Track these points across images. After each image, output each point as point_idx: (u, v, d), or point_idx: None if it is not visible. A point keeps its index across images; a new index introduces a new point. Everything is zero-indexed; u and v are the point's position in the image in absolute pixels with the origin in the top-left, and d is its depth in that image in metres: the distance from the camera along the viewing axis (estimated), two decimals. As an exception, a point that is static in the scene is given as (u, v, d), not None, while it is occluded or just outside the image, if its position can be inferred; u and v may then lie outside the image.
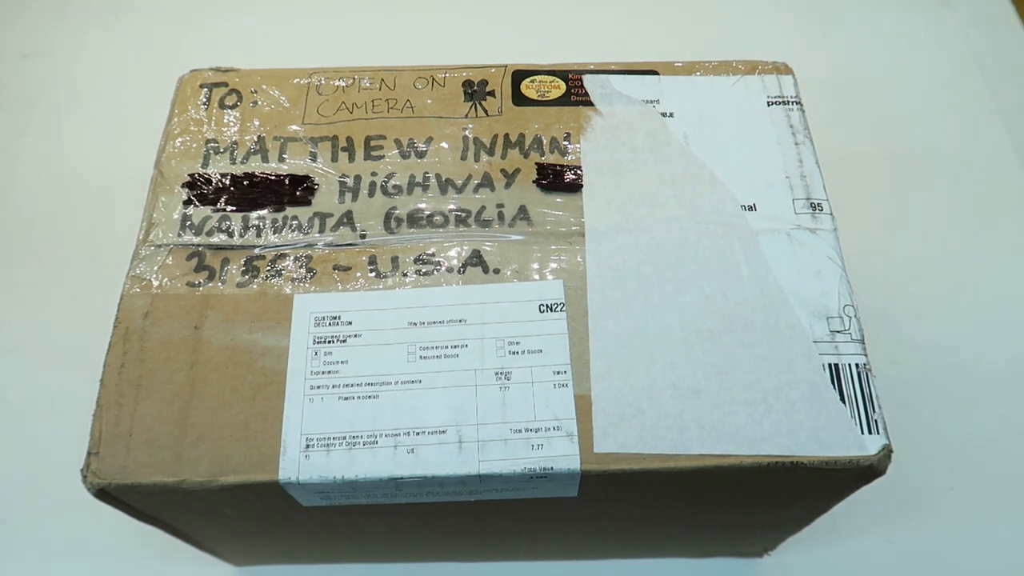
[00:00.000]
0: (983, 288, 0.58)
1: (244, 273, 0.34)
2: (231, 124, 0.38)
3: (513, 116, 0.39)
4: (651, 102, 0.39)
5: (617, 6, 0.73)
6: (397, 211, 0.36)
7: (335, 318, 0.33)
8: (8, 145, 0.65)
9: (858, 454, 0.31)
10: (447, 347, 0.33)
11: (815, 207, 0.36)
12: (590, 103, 0.39)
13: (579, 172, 0.37)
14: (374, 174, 0.37)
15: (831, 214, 0.36)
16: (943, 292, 0.58)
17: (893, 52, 0.71)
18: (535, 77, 0.40)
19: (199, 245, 0.35)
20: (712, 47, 0.69)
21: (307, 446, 0.31)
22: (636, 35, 0.71)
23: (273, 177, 0.37)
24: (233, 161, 0.37)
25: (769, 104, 0.39)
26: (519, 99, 0.39)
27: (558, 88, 0.39)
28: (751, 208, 0.36)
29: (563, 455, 0.31)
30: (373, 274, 0.34)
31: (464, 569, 0.49)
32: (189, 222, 0.36)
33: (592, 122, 0.38)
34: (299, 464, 0.30)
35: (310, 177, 0.37)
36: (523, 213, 0.36)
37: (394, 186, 0.37)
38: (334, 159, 0.37)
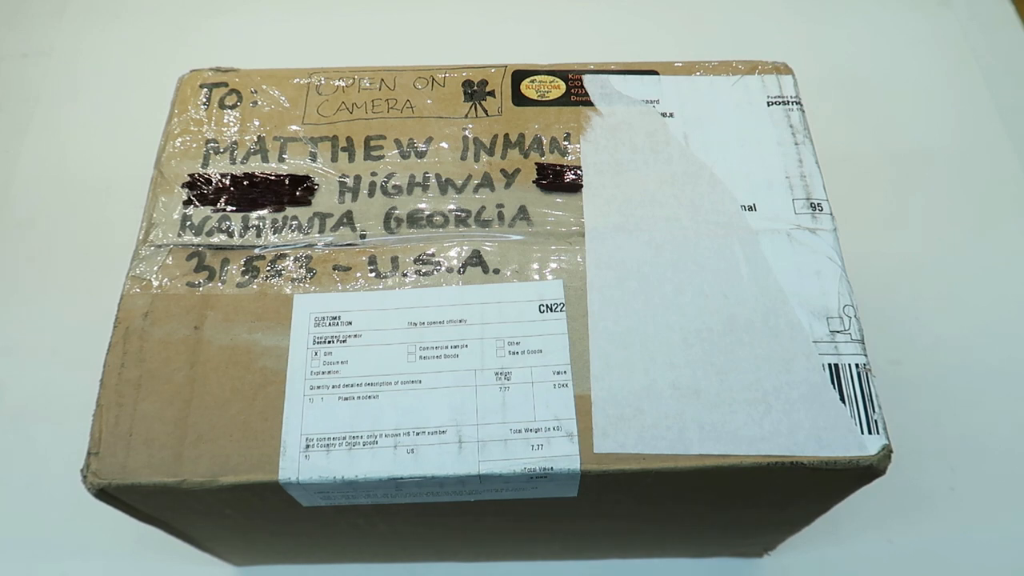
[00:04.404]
0: (983, 288, 0.58)
1: (244, 273, 0.34)
2: (231, 124, 0.38)
3: (513, 116, 0.39)
4: (651, 102, 0.39)
5: (617, 6, 0.73)
6: (397, 211, 0.36)
7: (335, 318, 0.33)
8: (8, 145, 0.65)
9: (858, 454, 0.31)
10: (447, 347, 0.33)
11: (815, 207, 0.36)
12: (590, 103, 0.39)
13: (579, 172, 0.37)
14: (374, 174, 0.37)
15: (831, 214, 0.36)
16: (943, 292, 0.58)
17: (893, 52, 0.71)
18: (535, 77, 0.40)
19: (199, 245, 0.35)
20: (712, 47, 0.69)
21: (307, 446, 0.31)
22: (636, 35, 0.71)
23: (273, 177, 0.37)
24: (233, 161, 0.37)
25: (769, 104, 0.39)
26: (519, 99, 0.39)
27: (558, 88, 0.39)
28: (751, 208, 0.36)
29: (563, 455, 0.31)
30: (373, 274, 0.34)
31: (464, 569, 0.49)
32: (189, 222, 0.36)
33: (592, 122, 0.38)
34: (299, 464, 0.30)
35: (310, 177, 0.37)
36: (523, 213, 0.36)
37: (394, 186, 0.37)
38: (334, 159, 0.37)
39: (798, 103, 0.39)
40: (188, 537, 0.40)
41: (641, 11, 0.73)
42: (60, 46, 0.71)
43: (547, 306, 0.34)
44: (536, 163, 0.37)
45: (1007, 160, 0.64)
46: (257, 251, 0.35)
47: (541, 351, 0.33)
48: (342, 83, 0.40)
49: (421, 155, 0.37)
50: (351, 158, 0.37)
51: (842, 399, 0.32)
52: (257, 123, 0.38)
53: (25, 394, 0.54)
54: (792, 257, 0.35)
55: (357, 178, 0.37)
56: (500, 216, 0.36)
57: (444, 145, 0.38)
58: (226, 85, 0.39)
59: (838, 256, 0.35)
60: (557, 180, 0.37)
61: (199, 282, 0.34)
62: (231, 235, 0.35)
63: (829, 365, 0.32)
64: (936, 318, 0.57)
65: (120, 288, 0.34)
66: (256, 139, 0.38)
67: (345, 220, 0.36)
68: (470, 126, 0.38)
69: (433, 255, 0.35)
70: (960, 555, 0.49)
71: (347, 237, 0.35)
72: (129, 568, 0.48)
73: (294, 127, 0.38)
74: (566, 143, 0.38)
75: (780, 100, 0.39)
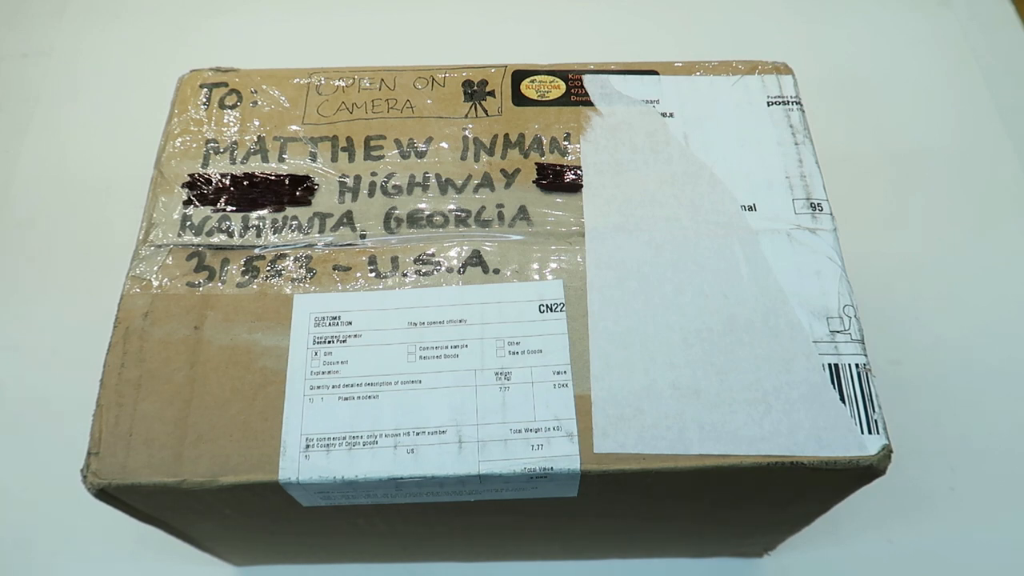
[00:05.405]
0: (983, 288, 0.58)
1: (244, 273, 0.34)
2: (231, 124, 0.38)
3: (513, 116, 0.39)
4: (651, 102, 0.39)
5: (617, 6, 0.73)
6: (397, 211, 0.36)
7: (335, 318, 0.33)
8: (8, 145, 0.65)
9: (858, 454, 0.31)
10: (447, 347, 0.33)
11: (815, 207, 0.36)
12: (590, 103, 0.39)
13: (579, 172, 0.37)
14: (374, 174, 0.37)
15: (831, 214, 0.36)
16: (943, 292, 0.58)
17: (893, 52, 0.71)
18: (535, 77, 0.40)
19: (199, 245, 0.35)
20: (712, 47, 0.69)
21: (307, 446, 0.31)
22: (636, 35, 0.71)
23: (273, 177, 0.37)
24: (233, 161, 0.37)
25: (769, 104, 0.39)
26: (519, 99, 0.39)
27: (558, 88, 0.39)
28: (751, 208, 0.36)
29: (563, 455, 0.31)
30: (373, 274, 0.34)
31: (464, 569, 0.49)
32: (189, 222, 0.36)
33: (592, 122, 0.38)
34: (299, 464, 0.30)
35: (310, 177, 0.37)
36: (523, 213, 0.36)
37: (394, 186, 0.37)
38: (334, 159, 0.37)
39: (798, 103, 0.39)
40: (188, 537, 0.40)
41: (641, 11, 0.73)
42: (60, 46, 0.71)
43: (547, 306, 0.34)
44: (536, 163, 0.37)
45: (1007, 160, 0.64)
46: (257, 251, 0.35)
47: (541, 351, 0.33)
48: (342, 83, 0.40)
49: (421, 155, 0.37)
50: (351, 158, 0.37)
51: (842, 399, 0.32)
52: (257, 123, 0.38)
53: (25, 394, 0.54)
54: (792, 257, 0.35)
55: (357, 178, 0.37)
56: (500, 216, 0.36)
57: (444, 145, 0.38)
58: (226, 85, 0.39)
59: (838, 256, 0.35)
60: (557, 180, 0.37)
61: (199, 282, 0.34)
62: (231, 235, 0.35)
63: (829, 365, 0.32)
64: (936, 318, 0.56)
65: (120, 288, 0.34)
66: (256, 139, 0.38)
67: (345, 220, 0.36)
68: (470, 126, 0.38)
69: (433, 255, 0.35)
70: (960, 555, 0.49)
71: (347, 237, 0.35)
72: (129, 568, 0.48)
73: (294, 127, 0.38)
74: (566, 143, 0.38)
75: (780, 100, 0.39)
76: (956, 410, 0.53)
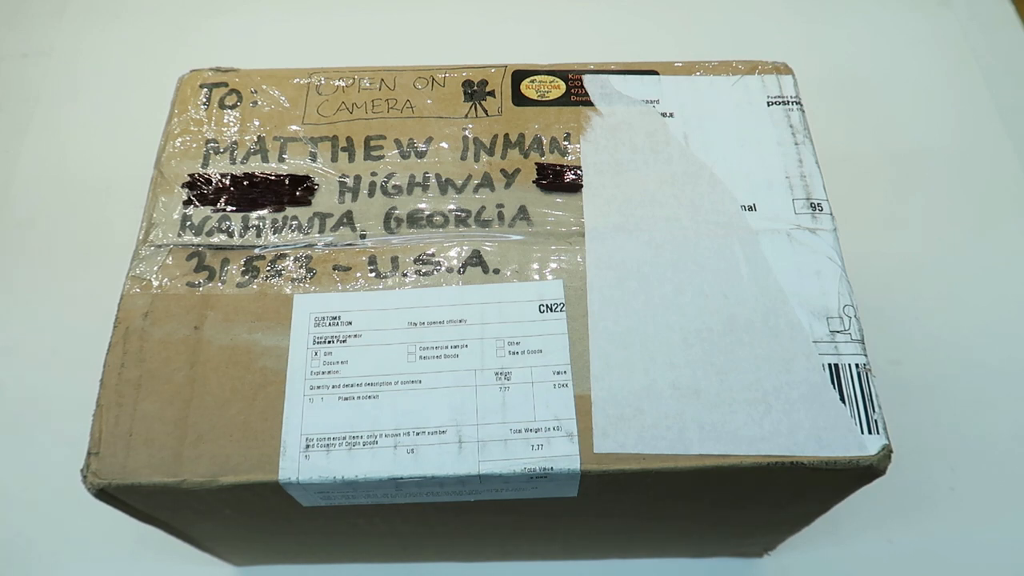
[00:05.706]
0: (983, 288, 0.58)
1: (244, 273, 0.34)
2: (231, 124, 0.38)
3: (513, 116, 0.39)
4: (651, 102, 0.39)
5: (617, 6, 0.73)
6: (397, 211, 0.36)
7: (335, 318, 0.33)
8: (8, 145, 0.65)
9: (858, 454, 0.31)
10: (447, 347, 0.33)
11: (815, 207, 0.36)
12: (590, 103, 0.39)
13: (579, 172, 0.37)
14: (374, 174, 0.37)
15: (831, 214, 0.36)
16: (943, 292, 0.58)
17: (893, 52, 0.71)
18: (535, 77, 0.40)
19: (199, 245, 0.35)
20: (712, 47, 0.69)
21: (307, 446, 0.31)
22: (636, 35, 0.71)
23: (273, 177, 0.37)
24: (233, 161, 0.37)
25: (769, 104, 0.39)
26: (519, 99, 0.39)
27: (558, 88, 0.39)
28: (751, 208, 0.36)
29: (563, 455, 0.31)
30: (373, 274, 0.34)
31: (464, 569, 0.49)
32: (189, 222, 0.36)
33: (592, 122, 0.38)
34: (299, 464, 0.30)
35: (310, 177, 0.37)
36: (523, 213, 0.36)
37: (394, 186, 0.37)
38: (334, 159, 0.37)
39: (798, 103, 0.39)
40: (188, 537, 0.40)
41: (641, 11, 0.73)
42: (60, 46, 0.71)
43: (547, 306, 0.34)
44: (536, 163, 0.37)
45: (1007, 160, 0.64)
46: (257, 251, 0.35)
47: (541, 351, 0.33)
48: (342, 83, 0.40)
49: (421, 155, 0.37)
50: (351, 158, 0.37)
51: (842, 399, 0.32)
52: (257, 123, 0.38)
53: (25, 394, 0.54)
54: (792, 257, 0.35)
55: (357, 178, 0.37)
56: (500, 216, 0.36)
57: (444, 145, 0.38)
58: (226, 85, 0.39)
59: (838, 256, 0.35)
60: (557, 180, 0.37)
61: (199, 282, 0.34)
62: (231, 235, 0.35)
63: (829, 365, 0.32)
64: (936, 318, 0.56)
65: (120, 288, 0.34)
66: (256, 139, 0.38)
67: (345, 220, 0.36)
68: (470, 126, 0.38)
69: (433, 255, 0.35)
70: (960, 555, 0.49)
71: (347, 237, 0.35)
72: (129, 568, 0.48)
73: (294, 127, 0.38)
74: (566, 143, 0.38)
75: (780, 100, 0.39)
76: (956, 410, 0.53)
